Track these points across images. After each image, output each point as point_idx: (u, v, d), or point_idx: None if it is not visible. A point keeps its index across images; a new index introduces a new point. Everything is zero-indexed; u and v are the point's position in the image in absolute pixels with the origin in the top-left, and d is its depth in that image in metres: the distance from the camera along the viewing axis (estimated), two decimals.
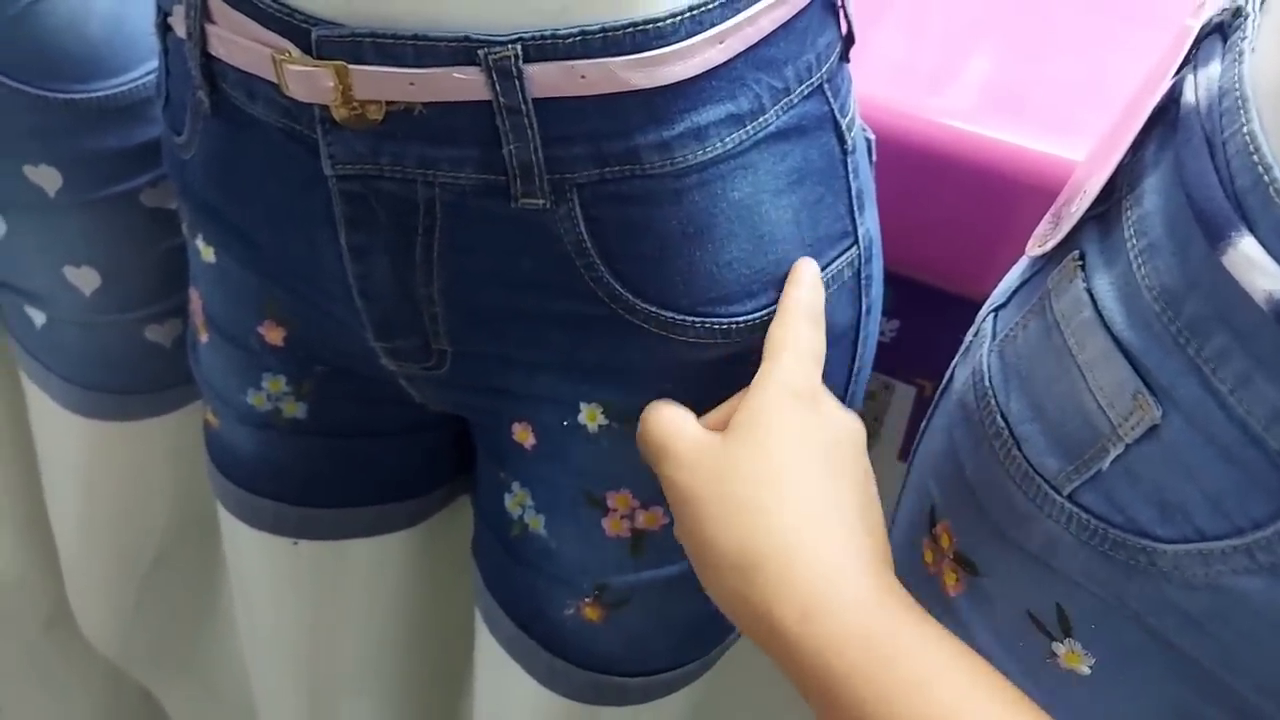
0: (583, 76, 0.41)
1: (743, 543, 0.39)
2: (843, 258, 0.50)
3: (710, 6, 0.41)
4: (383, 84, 0.42)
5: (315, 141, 0.45)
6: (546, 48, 0.40)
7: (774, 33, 0.43)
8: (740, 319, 0.47)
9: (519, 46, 0.40)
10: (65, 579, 0.85)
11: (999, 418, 0.42)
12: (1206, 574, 0.37)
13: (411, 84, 0.42)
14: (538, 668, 0.60)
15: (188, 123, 0.51)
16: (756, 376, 0.44)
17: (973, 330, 0.48)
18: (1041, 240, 0.42)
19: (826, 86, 0.47)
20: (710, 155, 0.44)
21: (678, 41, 0.41)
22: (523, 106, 0.41)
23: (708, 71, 0.42)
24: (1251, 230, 0.32)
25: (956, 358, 0.49)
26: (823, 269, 0.49)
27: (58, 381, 0.73)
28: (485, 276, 0.47)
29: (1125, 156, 0.38)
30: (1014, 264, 0.52)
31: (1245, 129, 0.32)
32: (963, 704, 0.35)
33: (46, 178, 0.63)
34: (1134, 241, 0.36)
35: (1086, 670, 0.42)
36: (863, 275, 0.51)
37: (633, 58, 0.41)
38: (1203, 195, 0.33)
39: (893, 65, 0.67)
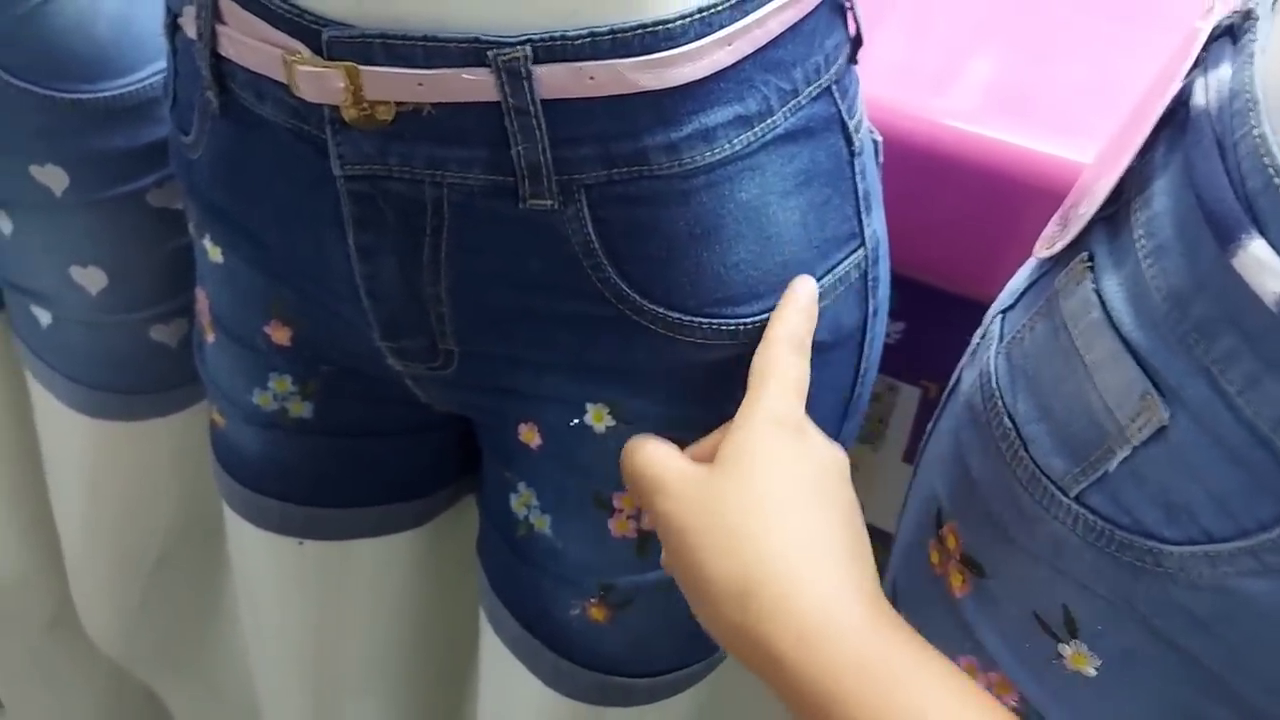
0: (591, 78, 0.41)
1: (735, 571, 0.39)
2: (850, 259, 0.50)
3: (719, 9, 0.41)
4: (392, 85, 0.42)
5: (324, 142, 0.45)
6: (555, 49, 0.40)
7: (782, 35, 0.43)
8: (747, 320, 0.47)
9: (528, 48, 0.40)
10: (69, 579, 0.85)
11: (1006, 419, 0.42)
12: (1213, 575, 0.37)
13: (420, 85, 0.42)
14: (543, 668, 0.60)
15: (195, 123, 0.52)
16: (741, 407, 0.44)
17: (979, 332, 0.48)
18: (1049, 242, 0.42)
19: (834, 88, 0.47)
20: (718, 157, 0.44)
21: (686, 43, 0.41)
22: (531, 108, 0.41)
23: (716, 73, 0.42)
24: (1262, 232, 0.32)
25: (963, 360, 0.49)
26: (830, 270, 0.49)
27: (63, 381, 0.73)
28: (492, 277, 0.47)
29: (1134, 159, 0.38)
30: (1020, 266, 0.52)
31: (1256, 131, 0.32)
32: None
33: (53, 177, 0.63)
34: (1143, 243, 0.36)
35: (1093, 672, 0.42)
36: (869, 277, 0.51)
37: (641, 59, 0.41)
38: (1213, 197, 0.33)
39: (897, 66, 0.67)
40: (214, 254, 0.57)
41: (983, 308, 0.62)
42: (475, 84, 0.41)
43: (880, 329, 0.54)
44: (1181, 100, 0.37)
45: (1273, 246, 0.32)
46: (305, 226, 0.49)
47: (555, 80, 0.41)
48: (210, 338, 0.61)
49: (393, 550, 0.68)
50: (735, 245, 0.46)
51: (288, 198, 0.49)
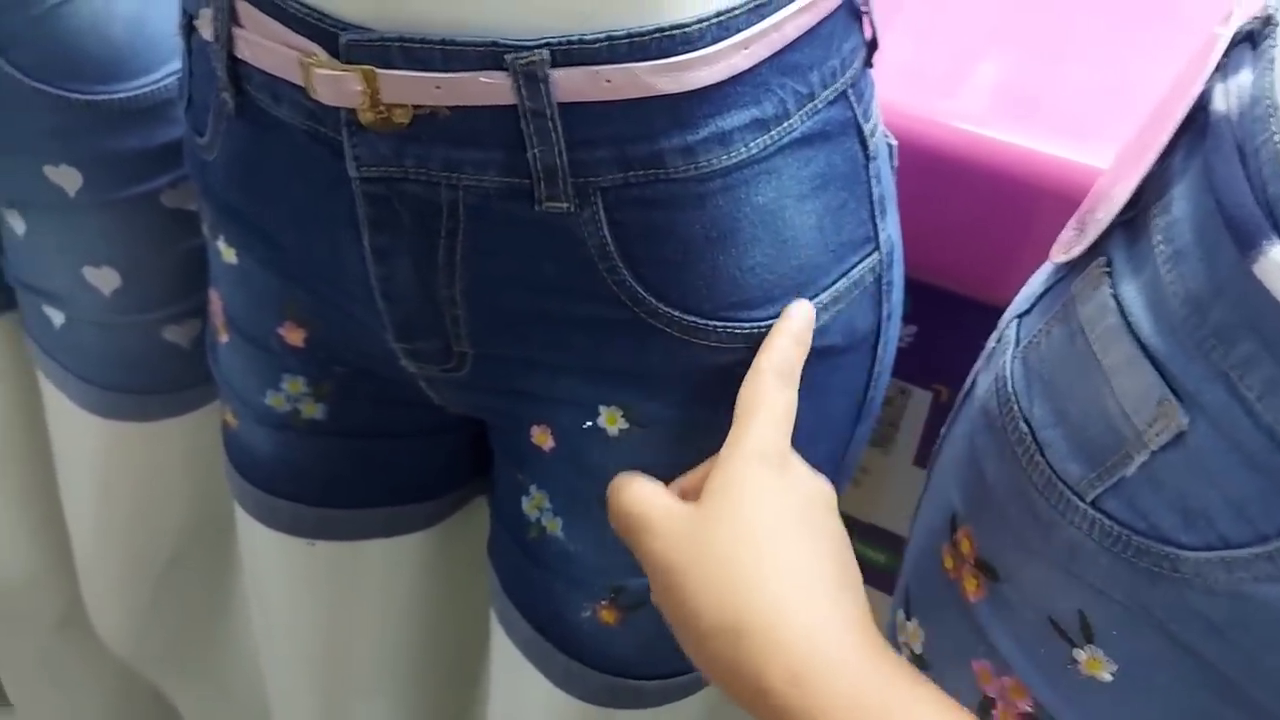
0: (608, 81, 0.41)
1: (726, 609, 0.39)
2: (864, 263, 0.50)
3: (737, 12, 0.41)
4: (409, 88, 0.42)
5: (340, 144, 0.45)
6: (573, 53, 0.40)
7: (799, 39, 0.43)
8: (762, 324, 0.47)
9: (546, 52, 0.40)
10: (80, 579, 0.85)
11: (1022, 424, 0.42)
12: (1229, 581, 0.37)
13: (438, 88, 0.42)
14: (554, 670, 0.60)
15: (210, 124, 0.52)
16: (727, 441, 0.44)
17: (995, 337, 0.48)
18: (1066, 247, 0.42)
19: (850, 92, 0.47)
20: (734, 160, 0.44)
21: (704, 47, 0.41)
22: (548, 111, 0.42)
23: (733, 77, 0.42)
24: None
25: (978, 364, 0.49)
26: (844, 274, 0.49)
27: (75, 381, 0.73)
28: (508, 279, 0.47)
29: (1153, 164, 0.38)
30: (1032, 269, 0.52)
31: (1277, 137, 0.32)
32: None
33: (67, 178, 0.64)
34: (1162, 248, 0.36)
35: (1108, 677, 0.42)
36: (884, 281, 0.51)
37: (659, 63, 0.41)
38: (1233, 203, 0.33)
39: (906, 69, 0.67)
40: (228, 255, 0.57)
41: (995, 311, 0.62)
42: (492, 87, 0.41)
43: (894, 333, 0.54)
44: (1201, 105, 0.37)
45: None
46: (320, 228, 0.49)
47: (572, 83, 0.41)
48: (223, 339, 0.61)
49: (403, 551, 0.68)
50: (751, 249, 0.46)
51: (303, 199, 0.49)
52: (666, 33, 0.40)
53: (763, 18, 0.42)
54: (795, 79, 0.44)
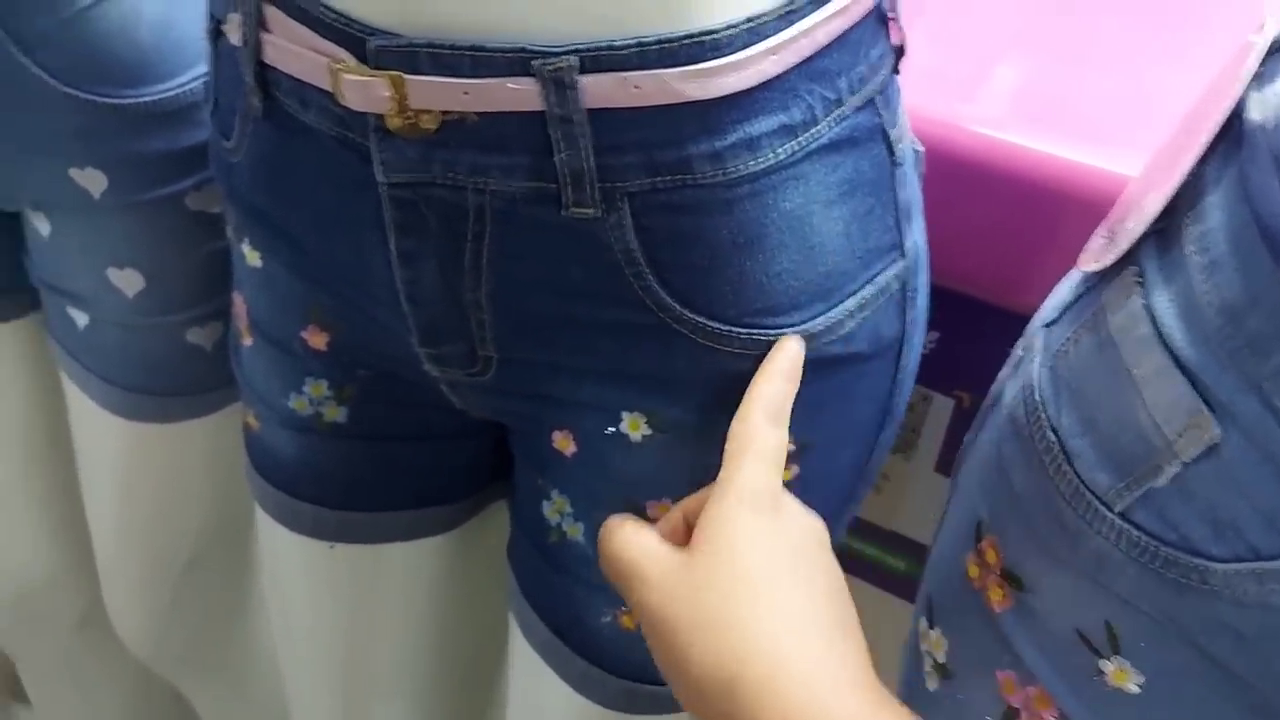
0: (636, 87, 0.41)
1: (722, 661, 0.39)
2: (890, 270, 0.49)
3: (766, 19, 0.41)
4: (437, 94, 0.42)
5: (367, 149, 0.45)
6: (602, 59, 0.40)
7: (828, 45, 0.43)
8: (787, 330, 0.47)
9: (575, 58, 0.40)
10: (101, 579, 0.86)
11: (1050, 433, 0.42)
12: (1260, 593, 0.36)
13: (466, 94, 0.42)
14: (571, 674, 0.60)
15: (237, 127, 0.52)
16: (718, 482, 0.43)
17: (1022, 345, 0.47)
18: (1096, 256, 0.42)
19: (878, 98, 0.47)
20: (762, 166, 0.43)
21: (733, 53, 0.41)
22: (575, 116, 0.42)
23: (761, 83, 0.42)
24: None
25: (1005, 372, 0.48)
26: (870, 280, 0.49)
27: (98, 383, 0.74)
28: (534, 283, 0.47)
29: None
30: (1056, 276, 0.51)
31: None
32: None
33: (92, 180, 0.64)
34: (1196, 258, 0.36)
35: (1135, 689, 0.42)
36: (909, 288, 0.51)
37: (688, 69, 0.41)
38: (1269, 212, 0.33)
39: (930, 73, 0.67)
40: (252, 258, 0.57)
41: (1018, 318, 0.62)
42: (520, 93, 0.41)
43: (919, 340, 0.54)
44: (1235, 114, 0.37)
45: None
46: (346, 231, 0.49)
47: (600, 90, 0.41)
48: (247, 341, 0.61)
49: (423, 555, 0.68)
50: (778, 255, 0.45)
51: (329, 203, 0.49)
52: (696, 39, 0.40)
53: (792, 24, 0.42)
54: (823, 85, 0.44)
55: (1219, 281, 0.35)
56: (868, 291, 0.49)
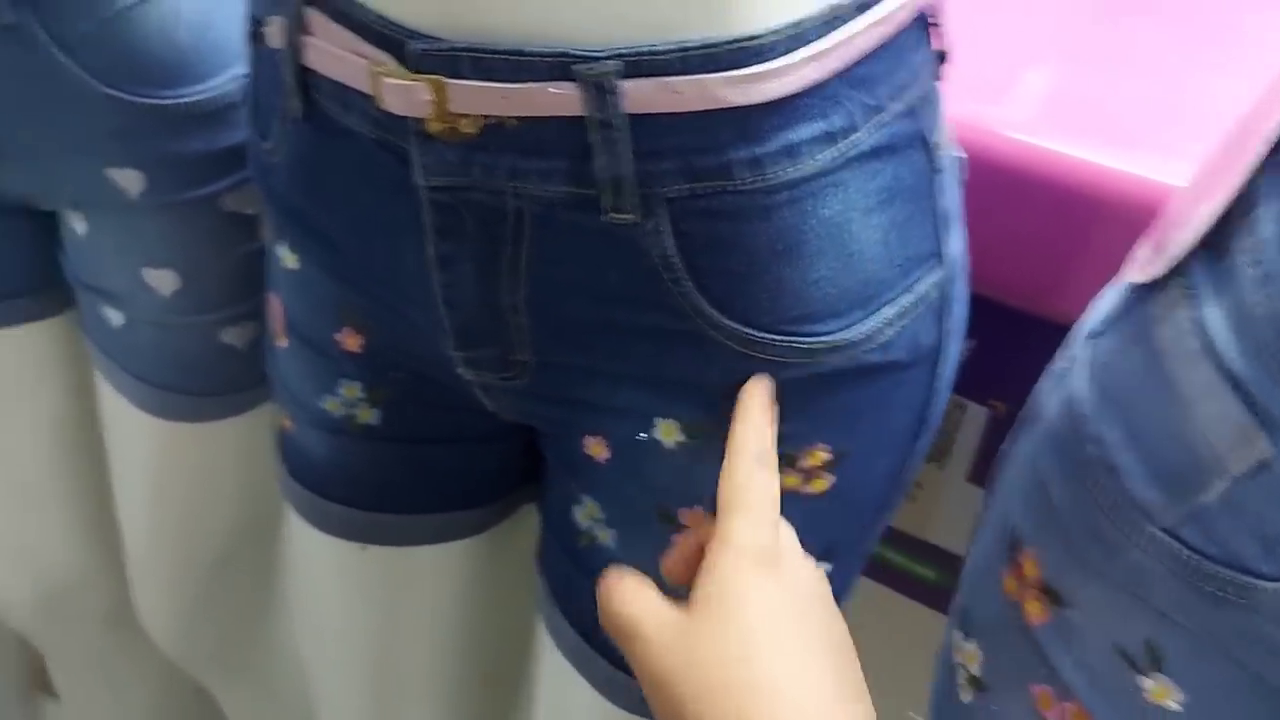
0: (677, 92, 0.41)
1: (720, 718, 0.38)
2: (929, 278, 0.49)
3: (810, 24, 0.41)
4: (478, 98, 0.42)
5: (406, 152, 0.45)
6: (644, 64, 0.40)
7: (870, 51, 0.43)
8: (824, 338, 0.47)
9: (619, 62, 0.40)
10: (130, 577, 0.86)
11: (1093, 446, 0.41)
12: None
13: (506, 98, 0.42)
14: (599, 678, 0.60)
15: (275, 129, 0.52)
16: (716, 537, 0.42)
17: (1064, 357, 0.47)
18: (1143, 267, 0.41)
19: (919, 105, 0.46)
20: (802, 173, 0.43)
21: (775, 59, 0.40)
22: (616, 121, 0.41)
23: (803, 89, 0.42)
24: None
25: (1045, 384, 0.48)
26: (909, 289, 0.48)
27: (132, 381, 0.74)
28: (571, 288, 0.47)
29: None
30: (1092, 284, 0.51)
31: None
32: None
33: (129, 180, 0.64)
34: (1249, 270, 0.36)
35: (1176, 706, 0.41)
36: (947, 296, 0.50)
37: (730, 74, 0.40)
38: None
39: (964, 78, 0.66)
40: (289, 260, 0.57)
41: (1052, 326, 0.61)
42: (560, 98, 0.41)
43: (956, 349, 0.53)
44: None
45: None
46: (383, 234, 0.49)
47: (641, 94, 0.41)
48: (282, 343, 0.61)
49: (453, 557, 0.68)
50: (816, 262, 0.45)
51: (367, 205, 0.49)
52: (739, 44, 0.40)
53: (835, 29, 0.41)
54: (864, 92, 0.43)
55: (1272, 293, 0.35)
56: (906, 300, 0.48)
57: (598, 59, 0.40)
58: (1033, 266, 0.66)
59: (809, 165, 0.43)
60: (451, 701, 0.76)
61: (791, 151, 0.43)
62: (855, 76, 0.43)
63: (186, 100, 0.62)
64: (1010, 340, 0.66)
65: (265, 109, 0.53)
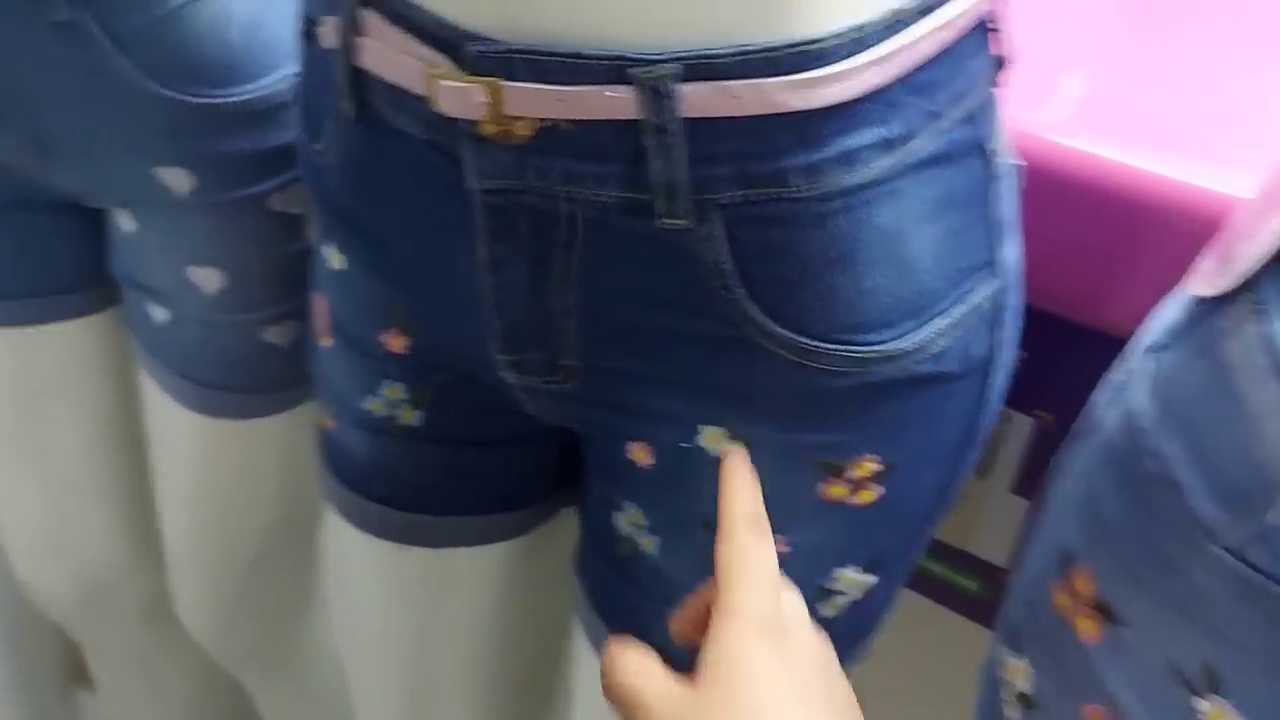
0: (735, 97, 0.40)
1: None
2: (982, 288, 0.48)
3: (872, 28, 0.40)
4: (533, 101, 0.42)
5: (459, 154, 0.45)
6: (702, 67, 0.40)
7: (931, 56, 0.42)
8: (876, 348, 0.46)
9: (678, 66, 0.40)
10: (169, 571, 0.87)
11: (1153, 462, 0.40)
12: None
13: (561, 101, 0.41)
14: None
15: (327, 130, 0.52)
16: (718, 608, 0.42)
17: (1123, 370, 0.46)
18: (1208, 280, 0.40)
19: (977, 112, 0.45)
20: (858, 180, 0.43)
21: (837, 63, 0.40)
22: (671, 126, 0.41)
23: (863, 94, 0.41)
24: None
25: (1103, 396, 0.47)
26: (962, 298, 0.47)
27: (175, 378, 0.75)
28: (622, 293, 0.47)
29: None
30: (1142, 294, 0.50)
31: None
32: None
33: (178, 178, 0.64)
34: None
35: None
36: (1000, 307, 0.50)
37: (789, 79, 0.40)
38: None
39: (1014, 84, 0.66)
40: (336, 261, 0.57)
41: (1101, 336, 0.60)
42: (616, 101, 0.41)
43: (1008, 360, 0.52)
44: None
45: None
46: (434, 236, 0.49)
47: (698, 98, 0.40)
48: (326, 342, 0.61)
49: (491, 560, 0.68)
50: (870, 270, 0.44)
51: (418, 207, 0.49)
52: (800, 48, 0.39)
53: (898, 34, 0.40)
54: (924, 98, 0.43)
55: None
56: (959, 310, 0.47)
57: (655, 62, 0.40)
58: (1081, 276, 0.65)
59: (866, 172, 0.42)
60: (487, 703, 0.76)
61: (849, 158, 0.42)
62: (915, 82, 0.42)
63: (236, 99, 0.62)
64: (1057, 350, 0.66)
65: (316, 110, 0.53)
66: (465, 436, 0.62)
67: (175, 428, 0.77)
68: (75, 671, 1.18)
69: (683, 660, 0.56)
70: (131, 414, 0.83)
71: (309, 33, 0.51)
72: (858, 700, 0.44)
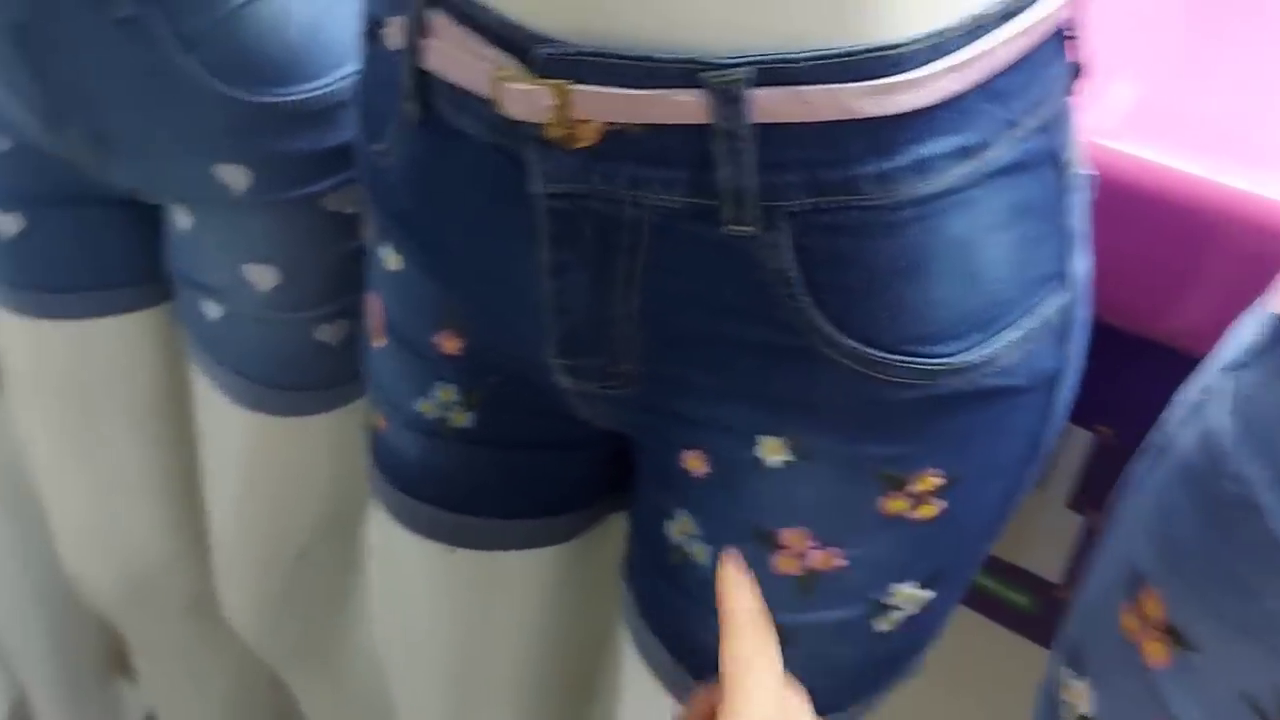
0: (808, 102, 0.39)
1: None
2: (1052, 300, 0.47)
3: (952, 34, 0.39)
4: (601, 104, 0.41)
5: (522, 157, 0.44)
6: (776, 72, 0.39)
7: (1010, 63, 0.41)
8: (944, 360, 0.45)
9: (753, 70, 0.39)
10: (215, 565, 0.87)
11: (1233, 484, 0.39)
12: None
13: (630, 105, 0.41)
14: (687, 697, 0.59)
15: (388, 131, 0.52)
16: (721, 711, 0.41)
17: (1199, 387, 0.45)
18: None
19: (1052, 121, 0.44)
20: (931, 189, 0.42)
21: (914, 69, 0.39)
22: (742, 131, 0.40)
23: (939, 102, 0.40)
24: None
25: (1177, 415, 0.46)
26: (1031, 311, 0.46)
27: (227, 374, 0.75)
28: (685, 299, 0.46)
29: None
30: (1205, 308, 0.48)
31: None
32: None
33: (236, 176, 0.65)
34: None
35: None
36: (1069, 320, 0.49)
37: (865, 84, 0.39)
38: None
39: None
40: (392, 261, 0.57)
41: (1164, 350, 0.59)
42: (686, 106, 0.40)
43: (1075, 374, 0.51)
44: None
45: None
46: (494, 239, 0.49)
47: (770, 104, 0.40)
48: (379, 343, 0.61)
49: (540, 563, 0.68)
50: (939, 281, 0.44)
51: (479, 210, 0.49)
52: (877, 53, 0.38)
53: (977, 40, 0.40)
54: (1001, 105, 0.42)
55: None
56: (1028, 322, 0.46)
57: (728, 66, 0.39)
58: (1143, 288, 0.64)
59: (939, 181, 0.42)
60: (530, 706, 0.76)
61: (922, 167, 0.41)
62: (993, 90, 0.41)
63: (295, 98, 0.62)
64: (1117, 363, 0.64)
65: (377, 111, 0.52)
66: (517, 440, 0.61)
67: (226, 424, 0.78)
68: (117, 660, 1.19)
69: None
70: (181, 409, 0.83)
71: (372, 33, 0.51)
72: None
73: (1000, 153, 0.42)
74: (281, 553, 0.84)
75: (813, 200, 0.42)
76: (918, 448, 0.48)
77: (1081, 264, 0.49)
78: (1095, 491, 0.73)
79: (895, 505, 0.49)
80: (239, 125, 0.62)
